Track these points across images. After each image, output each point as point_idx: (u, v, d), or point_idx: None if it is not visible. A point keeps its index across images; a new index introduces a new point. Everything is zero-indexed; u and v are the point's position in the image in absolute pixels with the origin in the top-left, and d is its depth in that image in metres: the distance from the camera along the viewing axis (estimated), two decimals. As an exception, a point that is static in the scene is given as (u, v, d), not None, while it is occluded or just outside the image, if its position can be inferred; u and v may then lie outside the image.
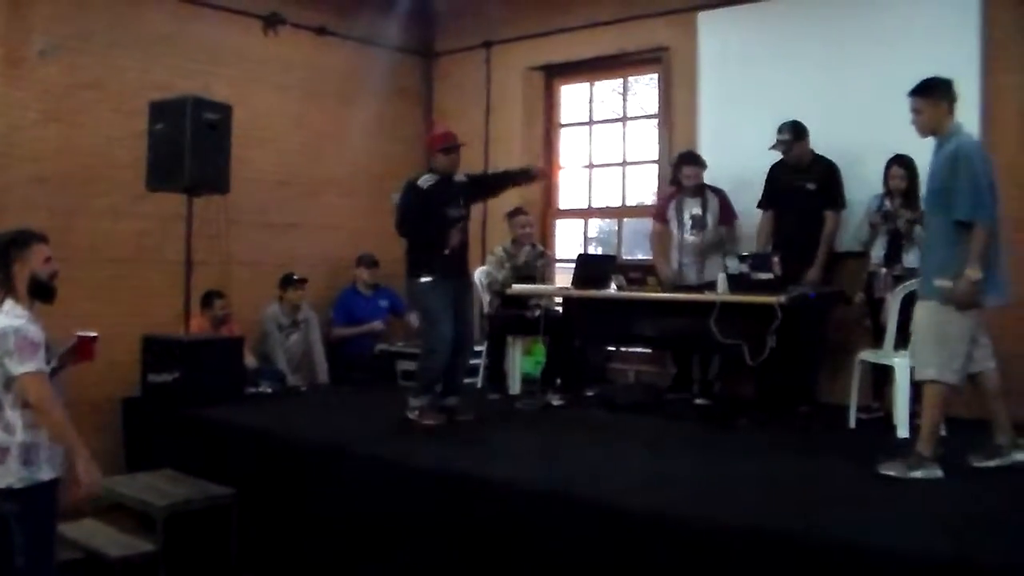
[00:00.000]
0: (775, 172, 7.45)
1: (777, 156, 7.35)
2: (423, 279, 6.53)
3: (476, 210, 7.41)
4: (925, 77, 5.16)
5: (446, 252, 6.51)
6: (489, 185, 7.08)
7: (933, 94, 5.11)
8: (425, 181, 6.55)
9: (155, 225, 7.80)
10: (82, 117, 7.59)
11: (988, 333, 5.26)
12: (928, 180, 5.26)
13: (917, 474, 4.89)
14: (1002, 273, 5.10)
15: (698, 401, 7.50)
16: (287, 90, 9.05)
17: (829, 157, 7.13)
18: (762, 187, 7.49)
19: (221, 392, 7.09)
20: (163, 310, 7.58)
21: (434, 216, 6.53)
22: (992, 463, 5.10)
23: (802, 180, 7.20)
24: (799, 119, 7.29)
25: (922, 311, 5.11)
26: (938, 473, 4.90)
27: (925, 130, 5.19)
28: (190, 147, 6.95)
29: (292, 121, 9.10)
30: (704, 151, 7.77)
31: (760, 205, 7.54)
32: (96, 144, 7.62)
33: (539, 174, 7.03)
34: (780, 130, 7.16)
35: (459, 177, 6.73)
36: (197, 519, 5.83)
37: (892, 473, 4.93)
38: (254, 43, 8.73)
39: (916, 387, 6.17)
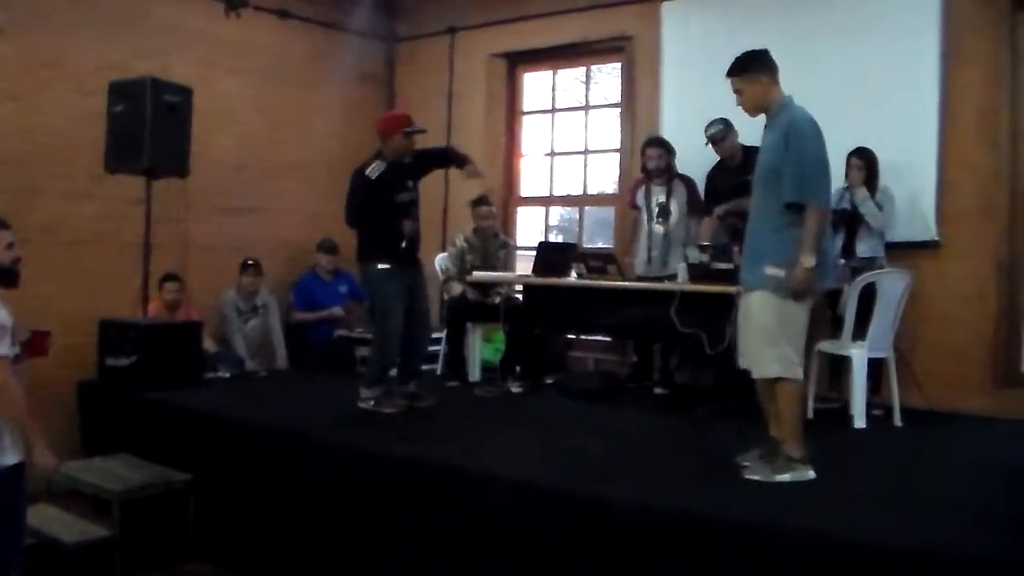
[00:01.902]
0: (714, 177, 7.55)
1: (710, 164, 7.48)
2: (379, 266, 6.48)
3: (437, 197, 7.42)
4: (743, 53, 4.93)
5: (400, 241, 6.47)
6: (432, 161, 6.96)
7: (748, 70, 4.87)
8: (374, 170, 6.45)
9: (113, 208, 7.72)
10: (39, 97, 7.49)
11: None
12: (759, 157, 4.94)
13: (785, 477, 4.65)
14: (831, 257, 4.93)
15: (657, 390, 7.56)
16: (248, 73, 8.99)
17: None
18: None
19: (179, 377, 7.05)
20: (121, 294, 7.50)
21: (385, 205, 6.47)
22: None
23: (742, 175, 7.22)
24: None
25: (755, 303, 4.80)
26: (809, 474, 4.67)
27: (751, 109, 4.94)
28: (150, 129, 6.89)
29: (253, 105, 9.04)
30: (668, 141, 7.77)
31: (704, 212, 7.57)
32: (54, 124, 7.52)
33: (473, 173, 6.89)
34: (710, 125, 7.23)
35: (405, 158, 6.64)
36: (154, 504, 5.81)
37: (757, 478, 4.69)
38: (215, 25, 8.64)
39: (874, 378, 6.29)
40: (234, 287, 8.44)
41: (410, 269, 6.61)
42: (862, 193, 6.58)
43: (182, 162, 7.21)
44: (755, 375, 4.85)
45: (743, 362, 4.99)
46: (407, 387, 6.72)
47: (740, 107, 4.99)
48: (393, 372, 6.70)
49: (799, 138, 4.65)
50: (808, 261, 4.57)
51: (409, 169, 6.65)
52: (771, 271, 4.69)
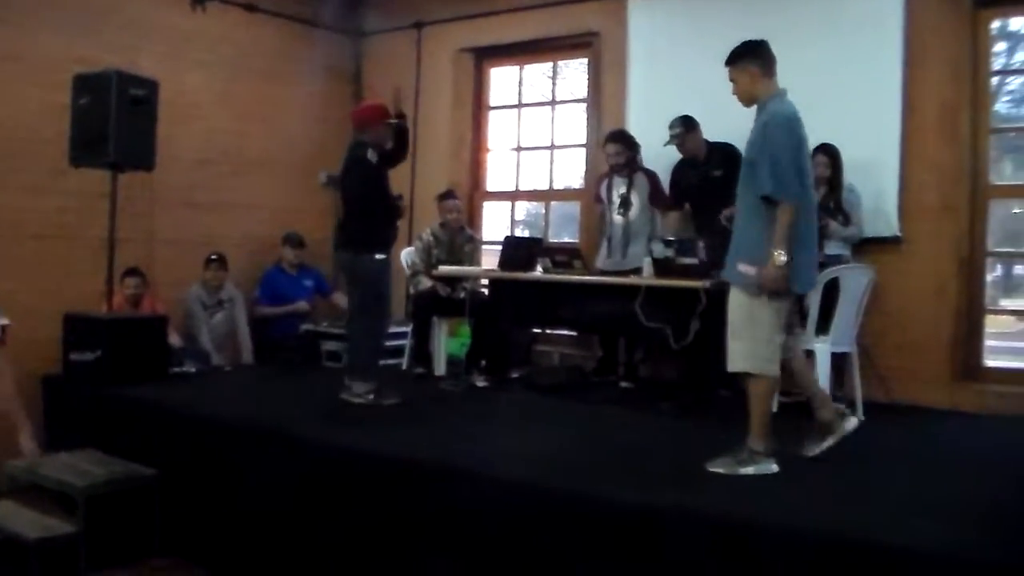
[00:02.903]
0: (678, 173, 7.58)
1: (676, 158, 7.53)
2: (378, 256, 6.51)
3: (403, 192, 7.43)
4: (742, 42, 4.98)
5: (396, 228, 6.60)
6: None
7: (739, 60, 4.91)
8: (372, 156, 6.50)
9: (78, 202, 7.66)
10: (2, 90, 7.43)
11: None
12: (744, 153, 4.97)
13: (748, 470, 4.68)
14: (813, 259, 4.90)
15: (622, 384, 7.59)
16: (214, 67, 8.94)
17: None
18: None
19: (144, 371, 7.01)
20: (86, 288, 7.47)
21: (384, 194, 6.56)
22: (828, 443, 4.96)
23: (708, 170, 7.30)
24: (727, 107, 7.33)
25: (730, 299, 4.85)
26: (773, 468, 4.71)
27: (743, 99, 4.95)
28: (115, 123, 6.84)
29: (219, 99, 9.00)
30: (632, 135, 7.81)
31: (670, 207, 7.64)
32: (17, 117, 7.46)
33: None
34: (671, 125, 7.26)
35: (385, 147, 6.68)
36: (119, 500, 5.77)
37: (720, 471, 4.72)
38: (181, 18, 8.58)
39: (838, 371, 6.34)
40: (199, 281, 8.40)
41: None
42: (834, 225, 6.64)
43: (148, 156, 7.17)
44: (728, 368, 4.88)
45: None
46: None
47: (735, 96, 5.00)
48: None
49: (773, 132, 4.66)
50: (779, 258, 4.56)
51: (387, 159, 6.68)
52: (743, 268, 4.73)
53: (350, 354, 6.93)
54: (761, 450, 4.75)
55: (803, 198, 4.72)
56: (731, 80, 4.96)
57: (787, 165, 4.62)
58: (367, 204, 6.54)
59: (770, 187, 4.60)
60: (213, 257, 8.43)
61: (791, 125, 4.73)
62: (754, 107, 4.93)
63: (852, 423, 5.06)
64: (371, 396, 6.49)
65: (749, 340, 4.73)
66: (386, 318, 6.66)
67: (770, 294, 4.67)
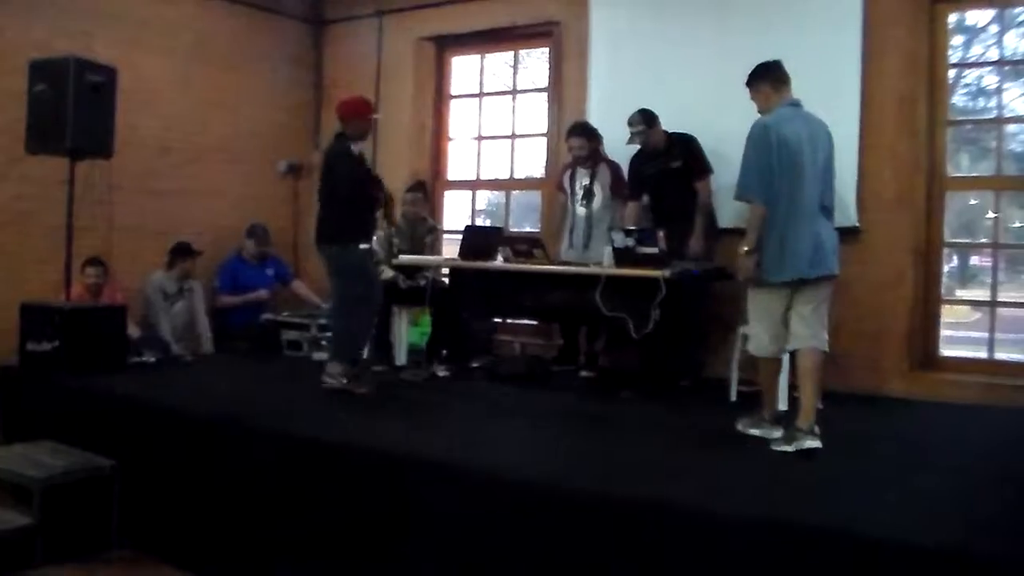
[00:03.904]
0: (637, 163, 7.60)
1: (634, 150, 7.54)
2: (362, 246, 6.54)
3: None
4: (758, 65, 5.50)
5: (372, 217, 6.67)
6: None
7: (754, 82, 5.49)
8: (355, 149, 6.57)
9: (35, 189, 7.59)
10: (-46, 76, 7.34)
11: (817, 316, 5.28)
12: None
13: (756, 432, 5.39)
14: (799, 250, 5.18)
15: (583, 373, 7.64)
16: (174, 54, 8.87)
17: (714, 136, 7.27)
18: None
19: (102, 361, 6.96)
20: (43, 277, 7.43)
21: (367, 183, 6.61)
22: (755, 432, 5.42)
23: (665, 161, 7.34)
24: (687, 97, 7.47)
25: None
26: (775, 434, 5.24)
27: (761, 113, 5.45)
28: (73, 109, 6.77)
29: (178, 86, 8.92)
30: (593, 126, 7.83)
31: (629, 196, 7.67)
32: (-30, 104, 7.38)
33: None
34: (632, 123, 7.30)
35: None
36: (76, 491, 5.71)
37: (741, 429, 5.47)
38: (140, 4, 8.54)
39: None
40: (160, 270, 8.33)
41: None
42: None
43: (106, 143, 7.11)
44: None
45: None
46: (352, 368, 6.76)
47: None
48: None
49: (748, 142, 5.26)
50: (741, 247, 5.25)
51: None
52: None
53: (333, 342, 6.92)
54: (767, 417, 5.44)
55: (771, 195, 5.16)
56: (751, 99, 5.52)
57: (752, 169, 5.18)
58: (351, 196, 6.53)
59: (737, 191, 5.28)
60: (192, 248, 8.40)
61: (763, 132, 5.20)
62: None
63: (808, 443, 5.06)
64: (344, 380, 6.50)
65: (753, 325, 5.47)
66: (376, 305, 6.73)
67: (752, 283, 5.33)
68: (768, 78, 5.42)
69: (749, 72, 5.51)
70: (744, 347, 6.24)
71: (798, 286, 5.24)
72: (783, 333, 5.34)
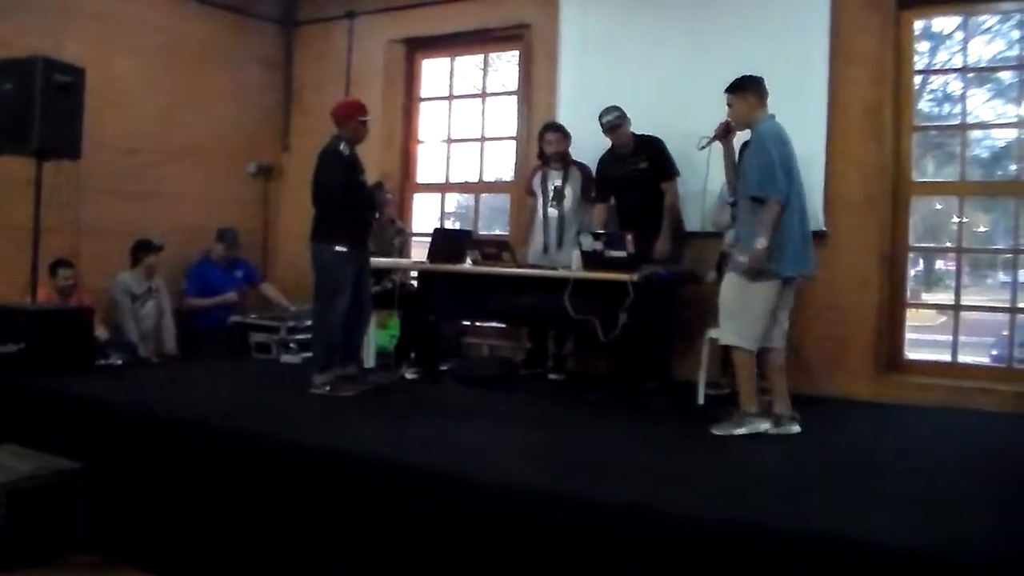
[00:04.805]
0: (605, 164, 7.63)
1: (602, 151, 7.60)
2: (337, 248, 6.50)
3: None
4: (743, 75, 5.76)
5: (367, 222, 6.72)
6: None
7: (739, 91, 5.73)
8: (346, 149, 6.57)
9: (1, 190, 7.53)
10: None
11: (788, 315, 5.79)
12: (741, 170, 5.80)
13: (742, 430, 5.50)
14: (805, 248, 5.62)
15: (551, 376, 7.66)
16: (144, 54, 8.83)
17: (683, 139, 7.30)
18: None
19: (69, 363, 6.92)
20: (9, 279, 7.35)
21: (355, 186, 6.59)
22: (775, 430, 5.59)
23: (633, 163, 7.38)
24: (656, 101, 7.52)
25: (727, 283, 5.68)
26: (764, 426, 5.53)
27: (738, 122, 5.84)
28: (40, 110, 6.73)
29: (148, 86, 8.87)
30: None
31: (596, 199, 7.69)
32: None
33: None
34: (608, 111, 7.35)
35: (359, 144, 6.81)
36: (42, 495, 5.67)
37: (720, 433, 5.50)
38: (109, 4, 8.48)
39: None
40: (127, 271, 8.29)
41: (361, 254, 6.70)
42: None
43: (74, 144, 7.07)
44: (720, 342, 5.92)
45: None
46: (347, 369, 6.78)
47: (729, 118, 5.90)
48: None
49: (762, 142, 5.51)
50: (760, 243, 5.38)
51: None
52: (741, 257, 5.55)
53: (311, 346, 7.00)
54: (753, 411, 5.57)
55: (789, 195, 5.48)
56: (728, 104, 5.82)
57: (773, 168, 5.41)
58: (336, 196, 6.56)
59: (755, 188, 5.46)
60: (153, 243, 8.36)
61: (780, 137, 5.55)
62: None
63: (795, 428, 5.65)
64: (327, 388, 6.53)
65: (739, 319, 5.58)
66: (338, 310, 6.56)
67: (755, 275, 5.47)
68: (756, 90, 5.70)
69: (735, 80, 5.75)
70: (713, 347, 6.33)
71: (786, 284, 5.62)
72: (770, 328, 5.65)
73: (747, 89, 5.70)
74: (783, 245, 5.48)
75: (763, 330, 5.61)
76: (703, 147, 6.07)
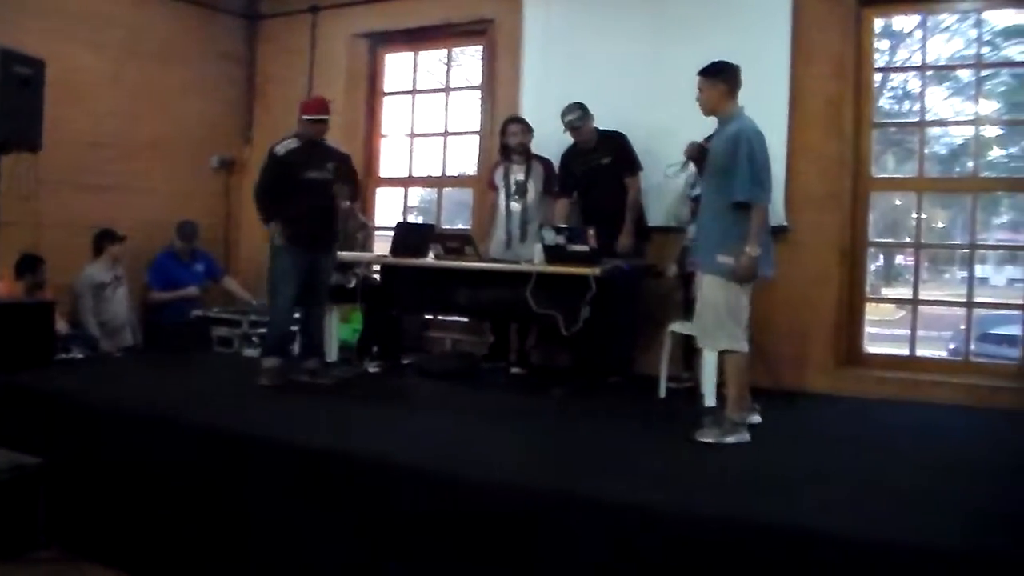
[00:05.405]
0: (568, 159, 7.64)
1: (564, 146, 7.62)
2: (275, 242, 6.64)
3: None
4: (719, 60, 5.52)
5: (295, 216, 6.64)
6: (342, 173, 6.95)
7: (712, 75, 5.48)
8: (283, 147, 6.68)
9: (-41, 183, 7.47)
10: None
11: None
12: (708, 159, 5.59)
13: (731, 439, 5.24)
14: (771, 250, 5.53)
15: (514, 370, 7.67)
16: (105, 47, 8.75)
17: (646, 134, 7.36)
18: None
19: (29, 358, 6.85)
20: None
21: (288, 181, 6.63)
22: (729, 439, 5.34)
23: (596, 158, 7.41)
24: (619, 96, 7.55)
25: (711, 287, 5.40)
26: (747, 437, 5.30)
27: (705, 108, 5.53)
28: (-1, 102, 6.69)
29: (109, 80, 8.81)
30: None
31: (559, 194, 7.71)
32: None
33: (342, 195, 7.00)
34: (570, 109, 7.36)
35: (332, 143, 6.92)
36: (2, 491, 5.62)
37: (709, 440, 5.24)
38: (70, -4, 8.42)
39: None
40: (92, 263, 8.26)
41: (308, 247, 6.71)
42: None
43: (34, 137, 6.98)
44: (711, 348, 5.61)
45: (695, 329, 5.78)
46: (307, 363, 6.89)
47: (697, 103, 5.55)
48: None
49: (749, 145, 5.24)
50: (754, 251, 5.22)
51: (330, 153, 6.83)
52: (723, 259, 5.31)
53: None
54: (740, 421, 5.36)
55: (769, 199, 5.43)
56: (699, 88, 5.52)
57: (762, 174, 5.28)
58: (261, 192, 6.73)
59: (746, 195, 5.22)
60: (110, 232, 8.34)
61: (762, 137, 5.37)
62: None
63: (755, 418, 5.64)
64: (263, 381, 6.64)
65: (731, 323, 5.36)
66: (277, 303, 6.73)
67: (742, 280, 5.31)
68: (729, 79, 5.47)
69: (710, 64, 5.51)
70: (675, 341, 6.36)
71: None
72: None
73: (721, 76, 5.46)
74: (768, 246, 5.43)
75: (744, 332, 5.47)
76: (673, 174, 6.06)
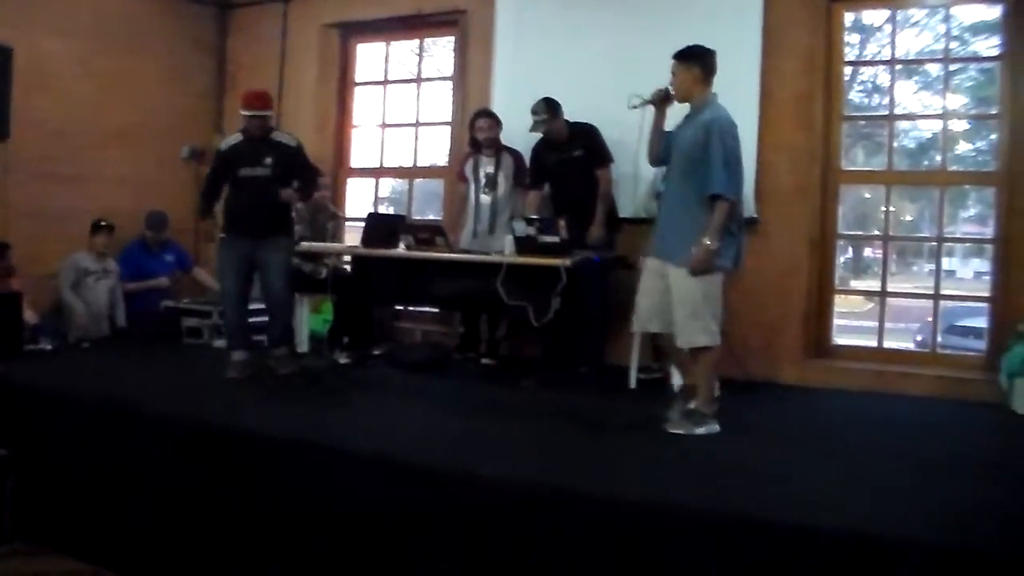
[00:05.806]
0: (540, 151, 7.64)
1: (534, 139, 7.62)
2: (220, 235, 6.79)
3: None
4: (695, 44, 5.43)
5: (229, 211, 6.75)
6: (293, 169, 6.84)
7: (687, 59, 5.39)
8: (227, 143, 6.80)
9: (-75, 171, 7.41)
10: None
11: None
12: (679, 144, 5.42)
13: (701, 431, 5.22)
14: (743, 243, 5.49)
15: (484, 361, 7.69)
16: (73, 35, 8.68)
17: (616, 126, 7.34)
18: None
19: (-3, 349, 6.84)
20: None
21: (227, 176, 6.72)
22: (701, 430, 5.32)
23: (568, 150, 7.41)
24: (590, 88, 7.53)
25: (681, 279, 5.28)
26: (716, 428, 5.27)
27: (678, 93, 5.45)
28: (-35, 90, 6.65)
29: (78, 68, 8.74)
30: (498, 115, 7.85)
31: (530, 186, 7.70)
32: None
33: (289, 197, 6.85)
34: (536, 111, 7.34)
35: (281, 137, 6.85)
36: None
37: (680, 431, 5.23)
38: (37, -17, 8.35)
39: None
40: (82, 251, 8.27)
41: (251, 240, 6.68)
42: None
43: (1, 124, 6.97)
44: (682, 344, 5.37)
45: (639, 326, 5.72)
46: (273, 353, 6.91)
47: (671, 87, 5.47)
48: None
49: (722, 138, 5.17)
50: (712, 244, 5.14)
51: (274, 147, 6.74)
52: (694, 251, 5.20)
53: None
54: (710, 412, 5.31)
55: (741, 192, 5.36)
56: (672, 73, 5.44)
57: (734, 167, 5.22)
58: (205, 185, 6.98)
59: (720, 188, 5.14)
60: (102, 223, 8.35)
61: (735, 129, 5.29)
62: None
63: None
64: (231, 372, 6.68)
65: (706, 316, 5.27)
66: (224, 293, 6.87)
67: (696, 272, 5.20)
68: (704, 65, 5.38)
69: (686, 47, 5.41)
70: (645, 332, 6.36)
71: None
72: None
73: (696, 60, 5.35)
74: (740, 240, 5.41)
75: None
76: (635, 107, 5.67)
